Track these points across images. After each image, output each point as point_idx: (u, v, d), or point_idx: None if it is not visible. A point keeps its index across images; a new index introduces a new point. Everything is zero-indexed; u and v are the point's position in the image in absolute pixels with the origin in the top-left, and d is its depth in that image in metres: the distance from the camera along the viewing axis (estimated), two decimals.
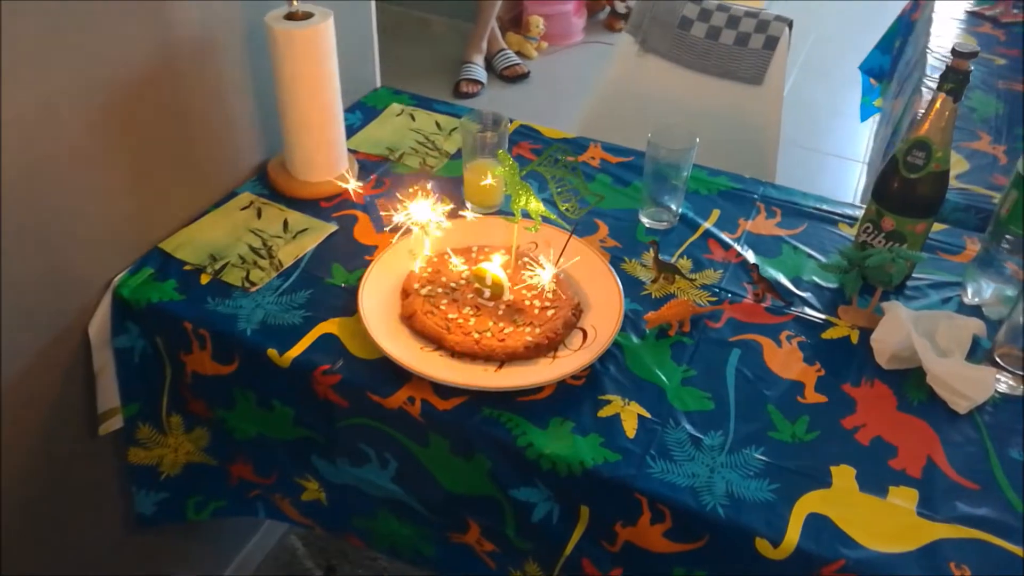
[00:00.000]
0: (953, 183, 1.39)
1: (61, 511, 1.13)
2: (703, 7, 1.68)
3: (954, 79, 0.96)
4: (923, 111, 1.01)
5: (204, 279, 1.06)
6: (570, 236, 1.02)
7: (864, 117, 2.59)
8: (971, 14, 1.97)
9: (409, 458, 0.97)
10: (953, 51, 0.95)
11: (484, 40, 3.13)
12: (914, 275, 1.11)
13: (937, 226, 1.21)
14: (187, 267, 1.08)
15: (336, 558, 1.60)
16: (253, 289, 1.04)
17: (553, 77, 3.23)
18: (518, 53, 3.28)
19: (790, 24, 1.62)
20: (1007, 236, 1.02)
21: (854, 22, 3.61)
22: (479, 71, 3.09)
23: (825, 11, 3.99)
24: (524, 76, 3.17)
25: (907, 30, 2.24)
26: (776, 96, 1.63)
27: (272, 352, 0.97)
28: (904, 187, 1.02)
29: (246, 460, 1.13)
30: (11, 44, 0.84)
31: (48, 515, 1.11)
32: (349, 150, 1.28)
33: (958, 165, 1.40)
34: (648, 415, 0.91)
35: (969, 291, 1.08)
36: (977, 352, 1.00)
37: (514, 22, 3.45)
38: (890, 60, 2.37)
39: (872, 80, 2.50)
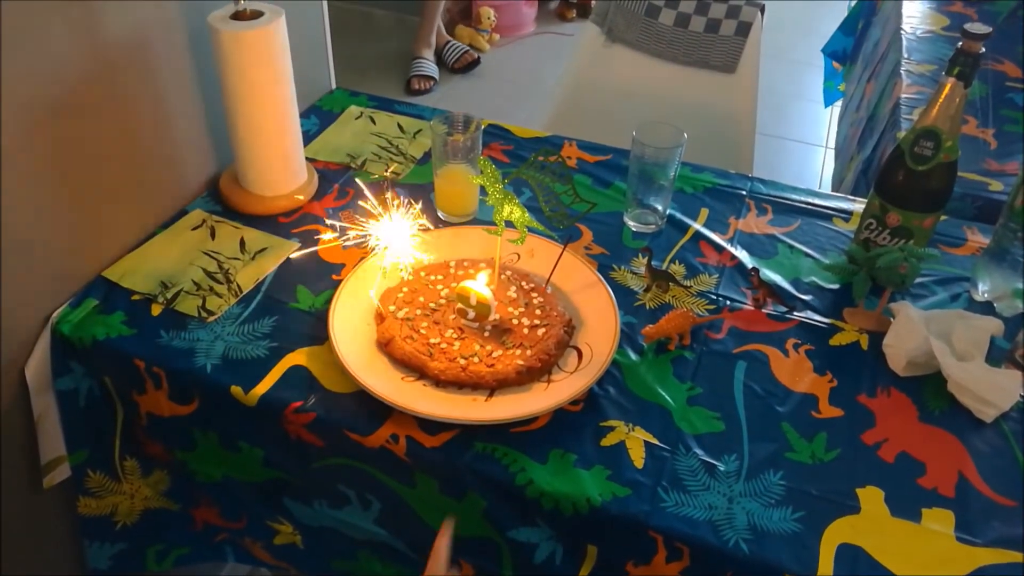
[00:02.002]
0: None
1: (6, 571, 1.01)
2: None
3: (964, 63, 0.90)
4: (931, 98, 0.94)
5: (156, 310, 0.95)
6: (563, 249, 0.94)
7: (828, 102, 2.56)
8: None
9: (394, 498, 0.88)
10: (963, 32, 0.89)
11: (432, 34, 3.02)
12: (922, 271, 1.06)
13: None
14: (135, 297, 0.97)
15: None
16: (211, 319, 0.94)
17: (508, 69, 3.13)
18: (470, 46, 3.18)
19: (762, 8, 1.56)
20: (1020, 228, 0.96)
21: (813, 3, 3.57)
22: (430, 66, 2.98)
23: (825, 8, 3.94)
24: (476, 63, 3.07)
25: (870, 11, 2.20)
26: (751, 85, 1.57)
27: (236, 390, 0.87)
28: (911, 180, 0.96)
29: (211, 504, 1.02)
30: None
31: None
32: (307, 159, 1.18)
33: None
34: (656, 441, 0.83)
35: (980, 287, 1.03)
36: (995, 353, 0.94)
37: (464, 14, 3.34)
38: (853, 42, 2.33)
39: (835, 64, 2.46)
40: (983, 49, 0.89)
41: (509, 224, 0.92)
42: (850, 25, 2.37)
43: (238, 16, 0.99)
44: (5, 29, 0.80)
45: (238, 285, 0.99)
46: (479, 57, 3.11)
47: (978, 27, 0.88)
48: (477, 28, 3.27)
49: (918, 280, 1.05)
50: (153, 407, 0.93)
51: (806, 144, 2.90)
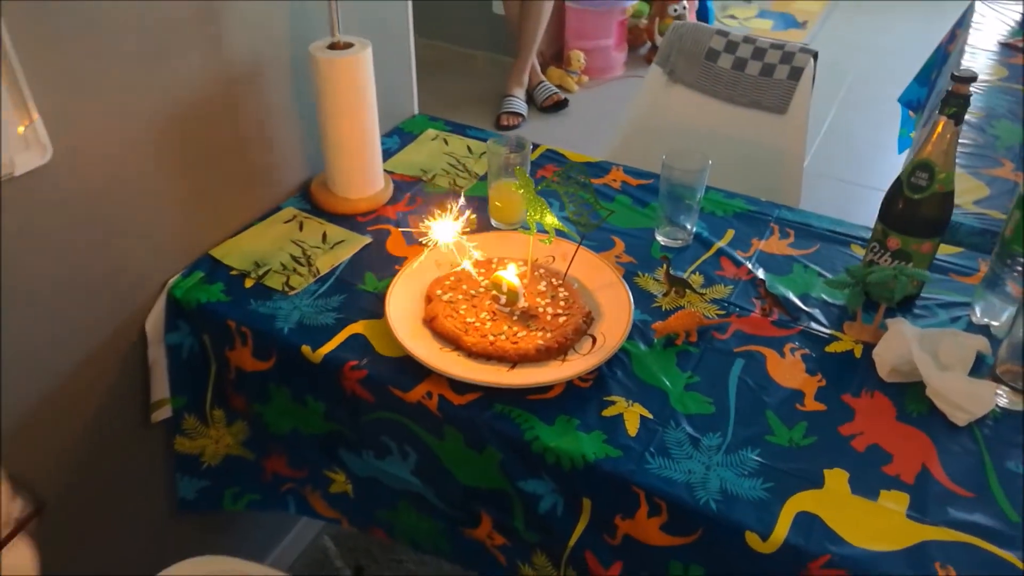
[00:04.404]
0: (971, 208, 1.42)
1: (113, 491, 1.22)
2: (730, 39, 1.74)
3: (955, 103, 1.01)
4: (927, 135, 1.05)
5: (248, 283, 1.15)
6: (578, 247, 1.09)
7: (901, 149, 2.61)
8: (1004, 45, 2.00)
9: (427, 451, 1.03)
10: (952, 76, 1.00)
11: (525, 74, 3.23)
12: (924, 295, 1.15)
13: (952, 249, 1.25)
14: (233, 272, 1.17)
15: (364, 559, 1.66)
16: (292, 293, 1.13)
17: (592, 109, 3.32)
18: (559, 87, 3.38)
19: (815, 55, 1.67)
20: (1010, 256, 1.05)
21: (896, 57, 3.62)
22: (520, 104, 3.19)
23: (868, 47, 4.03)
24: (563, 104, 3.26)
25: (942, 61, 2.27)
26: (800, 124, 1.68)
27: (306, 349, 1.05)
28: (908, 207, 1.07)
29: (280, 453, 1.21)
30: (93, 65, 0.95)
31: (102, 494, 1.20)
32: (386, 171, 1.37)
33: (978, 191, 1.43)
34: (650, 416, 0.96)
35: (978, 311, 1.11)
36: (981, 369, 1.03)
37: (556, 57, 3.55)
38: (927, 92, 2.40)
39: (911, 112, 2.53)
40: (971, 91, 1.00)
41: (541, 227, 1.08)
42: (924, 76, 2.44)
43: (334, 46, 1.19)
44: (153, 47, 1.02)
45: (317, 268, 1.18)
46: (566, 99, 3.30)
47: (967, 72, 0.99)
48: (567, 70, 3.47)
49: (922, 302, 1.14)
50: (240, 362, 1.13)
51: (881, 191, 2.94)
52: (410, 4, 1.49)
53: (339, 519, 1.22)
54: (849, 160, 3.05)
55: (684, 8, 3.72)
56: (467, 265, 1.10)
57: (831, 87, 3.54)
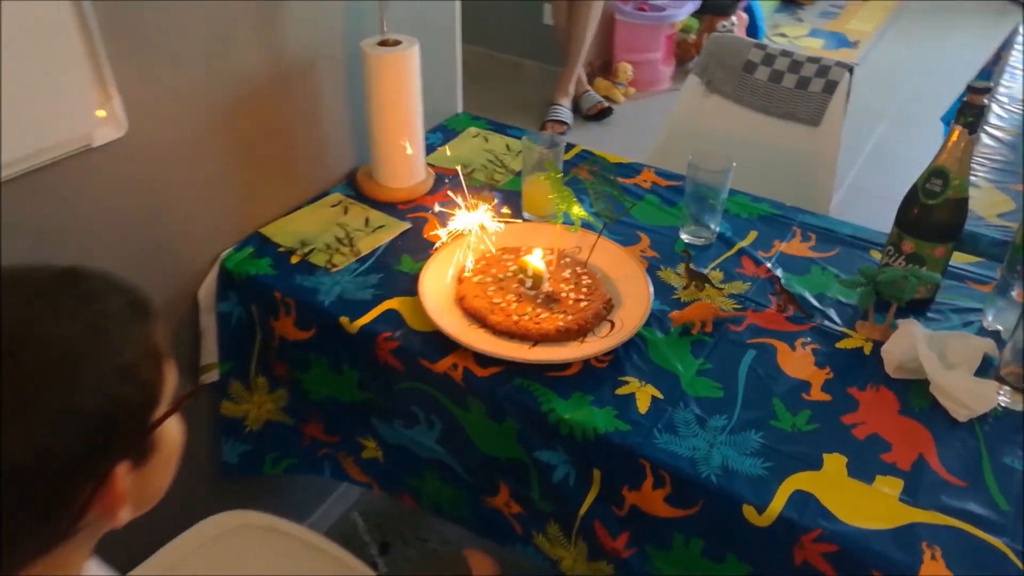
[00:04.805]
0: (995, 220, 1.45)
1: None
2: (767, 52, 1.79)
3: (970, 113, 1.05)
4: (943, 143, 1.09)
5: (294, 259, 1.24)
6: (599, 236, 1.15)
7: None
8: None
9: (451, 420, 1.10)
10: (968, 87, 1.04)
11: (572, 83, 3.30)
12: (939, 300, 1.19)
13: (971, 258, 1.28)
14: (281, 249, 1.26)
15: (391, 536, 1.74)
16: (334, 270, 1.22)
17: (636, 120, 3.37)
18: (605, 97, 3.44)
19: (850, 69, 1.71)
20: (1020, 263, 1.08)
21: (947, 77, 3.61)
22: (565, 112, 3.26)
23: (919, 68, 4.02)
24: (607, 112, 3.32)
25: (986, 80, 2.28)
26: (833, 136, 1.72)
27: (344, 320, 1.13)
28: (922, 212, 1.11)
29: (317, 420, 1.29)
30: (167, 53, 1.05)
31: None
32: (428, 164, 1.46)
33: (1003, 204, 1.46)
34: (661, 396, 1.02)
35: (989, 316, 1.15)
36: (987, 371, 1.06)
37: (604, 68, 3.62)
38: None
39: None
40: (986, 102, 1.04)
41: (570, 221, 1.15)
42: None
43: (384, 43, 1.28)
44: (219, 39, 1.12)
45: (358, 249, 1.26)
46: (610, 107, 3.36)
47: (981, 83, 1.03)
48: (614, 81, 3.54)
49: (936, 307, 1.18)
50: (283, 332, 1.21)
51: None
52: (458, 7, 1.58)
53: (370, 484, 1.30)
54: (891, 177, 3.04)
55: (733, 25, 3.76)
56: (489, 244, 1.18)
57: (880, 105, 3.55)
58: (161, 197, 1.14)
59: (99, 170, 1.03)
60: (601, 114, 3.33)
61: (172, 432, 0.66)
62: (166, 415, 0.62)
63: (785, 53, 1.78)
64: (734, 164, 1.25)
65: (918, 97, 3.66)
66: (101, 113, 1.00)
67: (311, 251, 1.25)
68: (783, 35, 4.47)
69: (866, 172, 3.10)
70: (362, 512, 1.79)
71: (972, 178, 2.22)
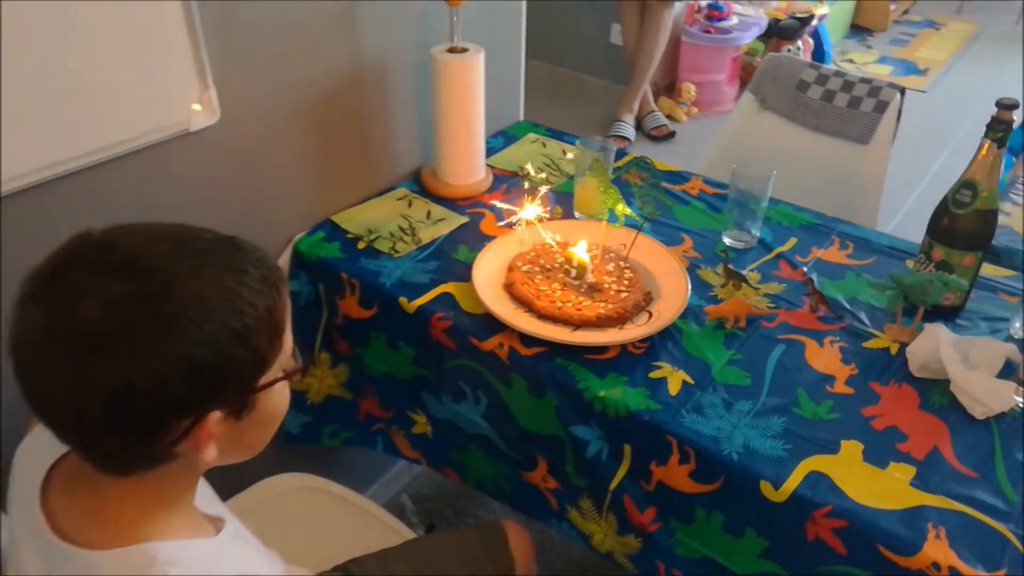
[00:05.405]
0: None
1: None
2: (821, 72, 1.85)
3: (999, 128, 1.10)
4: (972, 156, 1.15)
5: (361, 245, 1.36)
6: (638, 232, 1.24)
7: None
8: None
9: (495, 396, 1.20)
10: (997, 103, 1.10)
11: (636, 101, 3.39)
12: (970, 308, 1.23)
13: (1005, 271, 1.32)
14: (349, 235, 1.38)
15: (436, 518, 1.83)
16: (396, 256, 1.33)
17: (696, 140, 3.44)
18: (668, 116, 3.52)
19: (902, 91, 1.76)
20: None
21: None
22: (628, 129, 3.34)
23: (990, 97, 3.97)
24: (670, 135, 3.39)
25: None
26: (882, 154, 1.76)
27: (403, 300, 1.24)
28: (952, 222, 1.16)
29: (373, 395, 1.40)
30: (257, 51, 1.18)
31: None
32: (488, 165, 1.56)
33: None
34: (691, 382, 1.09)
35: (1017, 324, 1.19)
36: (1008, 374, 1.10)
37: (668, 88, 3.70)
38: None
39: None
40: (1015, 117, 1.09)
41: (614, 219, 1.23)
42: None
43: (452, 50, 1.39)
44: (303, 40, 1.25)
45: (419, 238, 1.37)
46: (674, 132, 3.43)
47: (1009, 100, 1.09)
48: (677, 101, 3.61)
49: (966, 314, 1.22)
50: (347, 310, 1.33)
51: None
52: (523, 20, 1.69)
53: (418, 459, 1.40)
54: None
55: (799, 50, 3.79)
56: (545, 235, 1.27)
57: (946, 132, 3.54)
58: (245, 182, 1.27)
59: (194, 152, 1.16)
60: (664, 137, 3.40)
61: (275, 398, 0.72)
62: (272, 382, 0.69)
63: (838, 73, 1.84)
64: (775, 173, 1.32)
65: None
66: (197, 107, 1.13)
67: (376, 238, 1.37)
68: (851, 61, 4.48)
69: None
70: (411, 495, 1.89)
71: (1014, 197, 2.25)
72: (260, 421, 0.71)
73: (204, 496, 0.80)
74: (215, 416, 0.65)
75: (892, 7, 4.95)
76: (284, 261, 1.37)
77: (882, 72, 4.33)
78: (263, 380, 0.68)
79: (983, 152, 1.12)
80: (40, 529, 0.69)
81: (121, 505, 0.68)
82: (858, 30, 4.91)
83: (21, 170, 0.98)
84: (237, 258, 0.67)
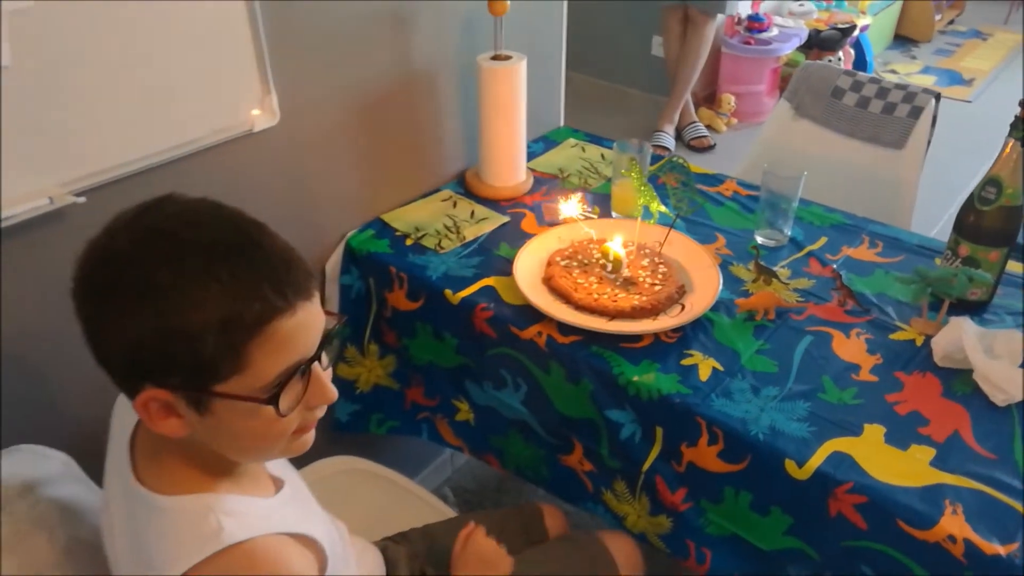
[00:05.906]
0: None
1: None
2: (856, 79, 1.89)
3: (1023, 127, 1.14)
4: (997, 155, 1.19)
5: (408, 242, 1.44)
6: (670, 228, 1.30)
7: None
8: None
9: (534, 383, 1.26)
10: (1021, 103, 1.14)
11: (677, 112, 3.44)
12: (997, 303, 1.27)
13: None
14: (398, 233, 1.46)
15: (476, 510, 1.90)
16: (442, 252, 1.41)
17: (736, 150, 3.47)
18: (708, 127, 3.56)
19: (937, 96, 1.79)
20: None
21: None
22: (668, 139, 3.40)
23: None
24: (710, 148, 3.44)
25: None
26: (916, 159, 1.79)
27: (448, 292, 1.31)
28: (977, 218, 1.20)
29: (419, 384, 1.47)
30: (314, 58, 1.28)
31: None
32: (529, 168, 1.64)
33: None
34: (721, 369, 1.15)
35: None
36: None
37: (708, 98, 3.74)
38: None
39: None
40: None
41: (649, 216, 1.30)
42: None
43: (496, 58, 1.47)
44: (356, 48, 1.34)
45: (464, 236, 1.45)
46: (714, 144, 3.47)
47: None
48: (717, 111, 3.65)
49: (993, 309, 1.26)
50: (395, 302, 1.41)
51: None
52: (564, 27, 1.76)
53: (461, 447, 1.47)
54: None
55: (839, 60, 3.81)
56: (586, 228, 1.34)
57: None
58: (301, 181, 1.36)
59: (256, 152, 1.26)
60: (704, 149, 3.44)
61: (237, 415, 0.71)
62: (231, 396, 0.69)
63: (873, 80, 1.88)
64: (805, 173, 1.37)
65: None
66: (256, 112, 1.22)
67: (423, 235, 1.45)
68: (893, 71, 4.47)
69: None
70: (453, 488, 1.96)
71: None
72: (225, 430, 0.73)
73: (279, 461, 0.89)
74: (164, 395, 0.69)
75: (937, 17, 4.93)
76: (337, 256, 1.46)
77: (926, 82, 4.32)
78: (220, 388, 0.69)
79: (1007, 150, 1.16)
80: (124, 469, 0.78)
81: (174, 462, 0.77)
82: (902, 40, 4.90)
83: (104, 165, 1.08)
84: (232, 263, 0.68)
